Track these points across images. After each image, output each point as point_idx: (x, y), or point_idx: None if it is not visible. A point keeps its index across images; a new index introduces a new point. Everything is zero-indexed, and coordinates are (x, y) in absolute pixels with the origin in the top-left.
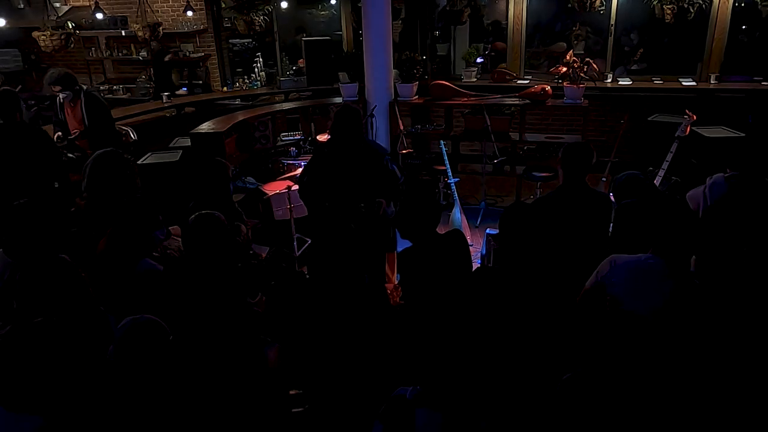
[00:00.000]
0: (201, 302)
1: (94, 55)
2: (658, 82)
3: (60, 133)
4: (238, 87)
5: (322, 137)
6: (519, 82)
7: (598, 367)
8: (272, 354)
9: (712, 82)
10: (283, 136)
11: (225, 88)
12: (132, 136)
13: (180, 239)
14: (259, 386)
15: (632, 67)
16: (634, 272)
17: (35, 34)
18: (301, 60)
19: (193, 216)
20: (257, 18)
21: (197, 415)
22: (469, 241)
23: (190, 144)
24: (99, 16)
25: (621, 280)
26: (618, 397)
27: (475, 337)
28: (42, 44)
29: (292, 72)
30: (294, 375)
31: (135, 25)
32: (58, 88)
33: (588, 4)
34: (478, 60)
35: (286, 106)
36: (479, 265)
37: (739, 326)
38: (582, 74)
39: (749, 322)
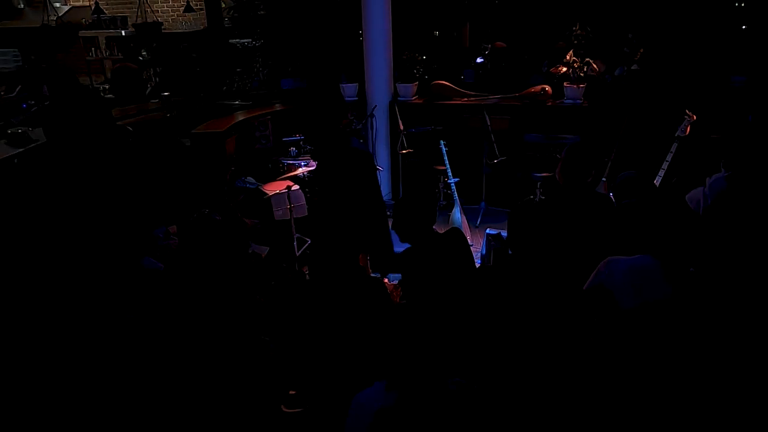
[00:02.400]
0: (199, 302)
1: (94, 56)
2: None
3: None
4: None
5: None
6: None
7: (597, 364)
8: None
9: None
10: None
11: None
12: None
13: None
14: (257, 385)
15: (632, 67)
16: (632, 273)
17: None
18: None
19: (190, 216)
20: None
21: (196, 413)
22: (469, 241)
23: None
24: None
25: (618, 280)
26: (615, 393)
27: (477, 335)
28: None
29: None
30: (293, 375)
31: None
32: None
33: None
34: (478, 60)
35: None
36: (479, 265)
37: (738, 326)
38: (582, 74)
39: (748, 322)
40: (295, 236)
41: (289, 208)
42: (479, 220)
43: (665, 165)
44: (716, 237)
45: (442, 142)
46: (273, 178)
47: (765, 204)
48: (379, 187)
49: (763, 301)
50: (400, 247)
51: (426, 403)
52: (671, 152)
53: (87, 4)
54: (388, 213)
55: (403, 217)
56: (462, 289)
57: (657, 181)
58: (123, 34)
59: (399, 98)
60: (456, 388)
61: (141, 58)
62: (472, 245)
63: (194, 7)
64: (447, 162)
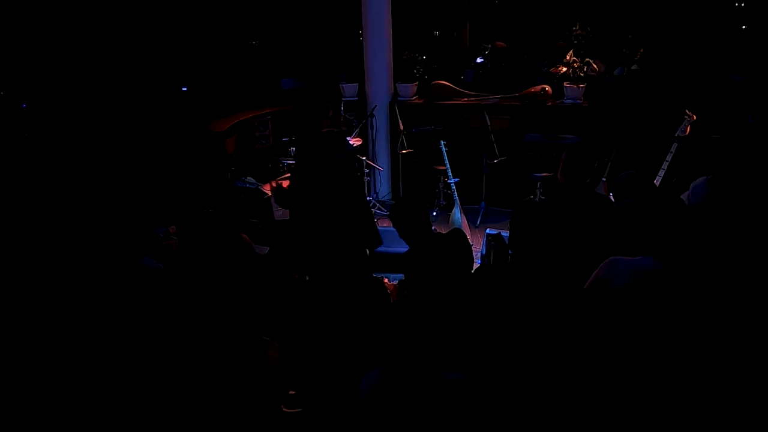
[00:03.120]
0: (199, 302)
1: None
2: None
3: None
4: None
5: None
6: None
7: (596, 364)
8: (273, 353)
9: None
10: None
11: None
12: None
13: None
14: (258, 385)
15: (632, 67)
16: (633, 273)
17: None
18: None
19: (190, 216)
20: None
21: (197, 413)
22: (469, 241)
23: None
24: None
25: (620, 281)
26: (614, 393)
27: (477, 334)
28: None
29: None
30: (293, 375)
31: None
32: None
33: None
34: (478, 60)
35: None
36: (480, 264)
37: (733, 325)
38: (582, 74)
39: (743, 321)
40: None
41: None
42: (479, 220)
43: (665, 165)
44: (701, 240)
45: (442, 142)
46: (273, 178)
47: (747, 205)
48: (362, 186)
49: (755, 300)
50: (402, 248)
51: (415, 391)
52: (671, 152)
53: None
54: (384, 212)
55: (401, 219)
56: (462, 289)
57: (657, 181)
58: None
59: (399, 98)
60: (450, 381)
61: None
62: (472, 245)
63: None
64: (447, 162)
